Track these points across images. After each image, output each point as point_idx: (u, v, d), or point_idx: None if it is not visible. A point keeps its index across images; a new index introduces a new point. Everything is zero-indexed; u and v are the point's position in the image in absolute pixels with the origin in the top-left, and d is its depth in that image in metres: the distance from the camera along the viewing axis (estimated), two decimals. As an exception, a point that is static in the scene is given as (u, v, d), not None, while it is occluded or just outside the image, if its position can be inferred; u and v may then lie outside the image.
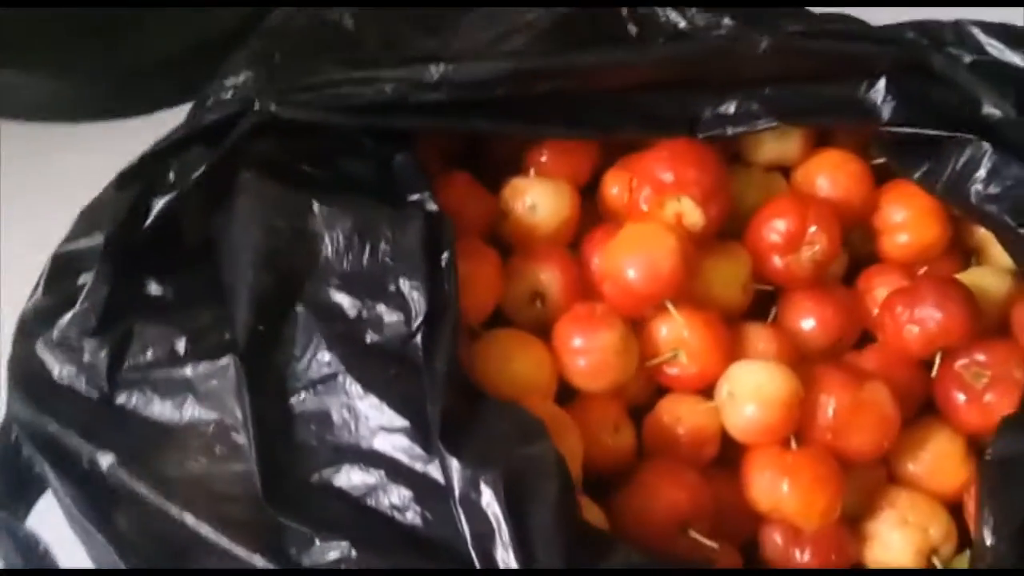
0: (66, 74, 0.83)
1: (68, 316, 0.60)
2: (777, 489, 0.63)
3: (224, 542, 0.53)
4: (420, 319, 0.59)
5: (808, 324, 0.72)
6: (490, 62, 0.64)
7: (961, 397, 0.70)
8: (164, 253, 0.62)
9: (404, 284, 0.59)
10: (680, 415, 0.67)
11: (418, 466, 0.55)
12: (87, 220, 0.62)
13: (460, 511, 0.53)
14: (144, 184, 0.61)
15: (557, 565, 0.52)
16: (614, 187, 0.73)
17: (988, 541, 0.58)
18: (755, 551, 0.67)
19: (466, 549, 0.52)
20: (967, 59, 0.65)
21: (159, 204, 0.61)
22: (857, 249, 0.77)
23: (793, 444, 0.65)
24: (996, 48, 0.64)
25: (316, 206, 0.61)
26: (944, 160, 0.67)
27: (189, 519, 0.54)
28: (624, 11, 0.70)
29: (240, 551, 0.52)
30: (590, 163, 0.74)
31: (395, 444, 0.56)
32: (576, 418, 0.66)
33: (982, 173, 0.65)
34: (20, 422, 0.58)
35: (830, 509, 0.63)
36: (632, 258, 0.64)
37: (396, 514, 0.55)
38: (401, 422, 0.56)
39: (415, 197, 0.63)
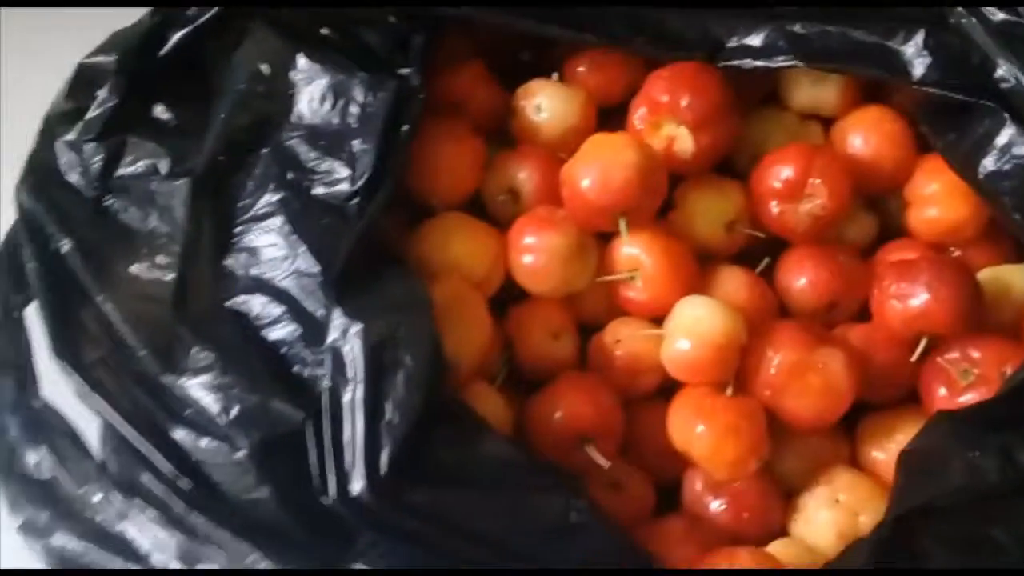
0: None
1: (81, 122, 0.67)
2: (690, 430, 0.61)
3: (126, 333, 0.58)
4: (362, 181, 0.61)
5: (799, 282, 0.68)
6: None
7: (941, 391, 0.64)
8: (176, 83, 0.68)
9: (359, 146, 0.62)
10: (621, 338, 0.65)
11: (315, 310, 0.58)
12: (113, 39, 0.68)
13: (329, 356, 0.56)
14: (166, 17, 0.67)
15: (404, 427, 0.54)
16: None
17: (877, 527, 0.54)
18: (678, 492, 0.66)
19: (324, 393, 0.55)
20: (998, 16, 0.58)
21: (176, 36, 0.67)
22: (894, 222, 0.72)
23: (729, 391, 0.63)
24: (1030, 7, 0.57)
25: (301, 59, 0.64)
26: (968, 130, 0.61)
27: (109, 308, 0.60)
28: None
29: (133, 342, 0.58)
30: (623, 83, 0.72)
31: (303, 286, 0.59)
32: (517, 317, 0.67)
33: (996, 146, 0.59)
34: (22, 209, 0.66)
35: (740, 462, 0.61)
36: (587, 166, 0.63)
37: (281, 347, 0.58)
38: (314, 268, 0.59)
39: (403, 71, 0.65)
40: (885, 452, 0.65)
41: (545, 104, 0.70)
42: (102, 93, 0.67)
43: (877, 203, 0.72)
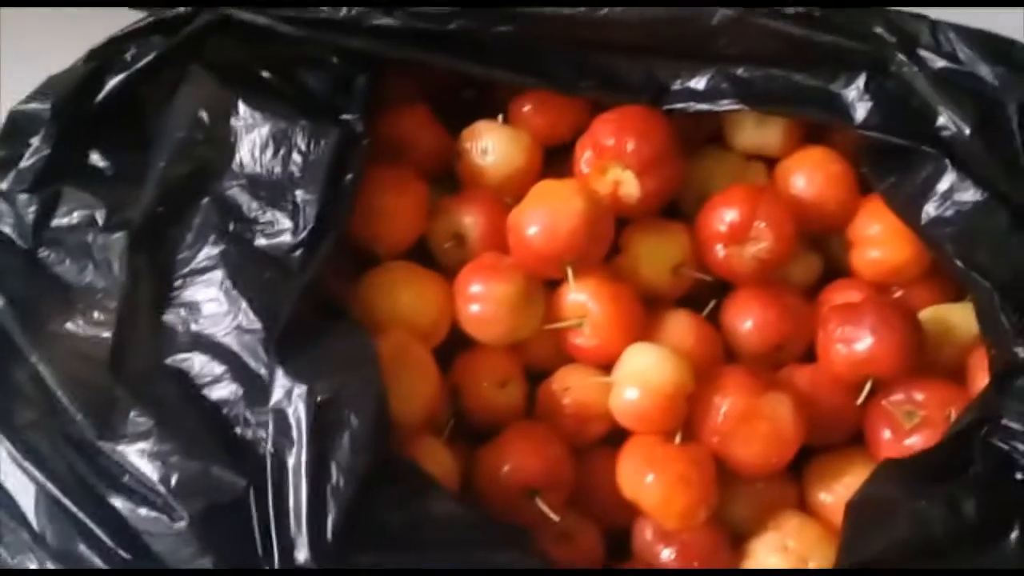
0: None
1: (13, 171, 0.65)
2: (640, 479, 0.61)
3: (61, 395, 0.57)
4: (306, 233, 0.60)
5: (745, 325, 0.68)
6: (443, -9, 0.64)
7: (886, 434, 0.64)
8: (113, 129, 0.66)
9: (301, 196, 0.61)
10: (569, 385, 0.65)
11: (257, 368, 0.57)
12: (48, 86, 0.66)
13: (271, 418, 0.55)
14: (103, 62, 0.65)
15: (350, 491, 0.53)
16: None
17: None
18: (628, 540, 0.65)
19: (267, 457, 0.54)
20: (937, 64, 0.58)
21: (112, 82, 0.65)
22: (838, 261, 0.72)
23: (678, 439, 0.63)
24: (967, 56, 0.57)
25: (241, 106, 0.63)
26: (909, 174, 0.62)
27: (43, 369, 0.58)
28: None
29: (68, 405, 0.56)
30: (569, 123, 0.72)
31: (245, 344, 0.58)
32: (464, 366, 0.66)
33: (938, 192, 0.60)
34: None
35: (690, 511, 0.60)
36: (534, 214, 0.62)
37: (223, 408, 0.57)
38: (256, 324, 0.58)
39: (346, 117, 0.64)
40: (832, 495, 0.65)
41: (491, 147, 0.69)
42: (35, 141, 0.65)
43: (820, 243, 0.72)
